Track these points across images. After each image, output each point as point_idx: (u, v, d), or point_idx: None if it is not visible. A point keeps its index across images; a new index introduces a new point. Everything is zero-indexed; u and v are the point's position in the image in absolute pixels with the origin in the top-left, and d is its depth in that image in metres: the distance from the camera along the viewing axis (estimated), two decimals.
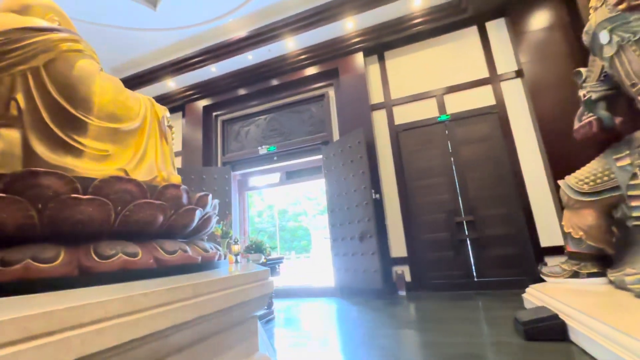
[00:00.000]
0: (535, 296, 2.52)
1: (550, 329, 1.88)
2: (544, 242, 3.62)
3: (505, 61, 4.17)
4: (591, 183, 2.43)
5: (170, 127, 2.34)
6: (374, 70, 4.86)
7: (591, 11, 2.39)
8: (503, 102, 4.08)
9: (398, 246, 4.22)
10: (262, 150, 5.35)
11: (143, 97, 1.92)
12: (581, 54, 3.50)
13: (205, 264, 1.78)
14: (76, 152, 1.49)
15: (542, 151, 3.72)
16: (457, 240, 3.98)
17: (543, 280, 2.86)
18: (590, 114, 2.52)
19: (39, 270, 1.15)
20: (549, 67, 3.77)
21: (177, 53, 5.08)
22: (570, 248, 2.63)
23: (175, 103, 5.94)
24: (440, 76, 4.46)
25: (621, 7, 2.08)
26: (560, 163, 3.44)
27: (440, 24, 4.42)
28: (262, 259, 2.97)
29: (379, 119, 4.66)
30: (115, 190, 1.43)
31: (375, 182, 4.26)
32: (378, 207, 4.19)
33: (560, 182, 2.71)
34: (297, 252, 18.86)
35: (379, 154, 4.52)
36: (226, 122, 5.90)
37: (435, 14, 4.33)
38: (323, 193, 4.82)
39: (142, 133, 1.78)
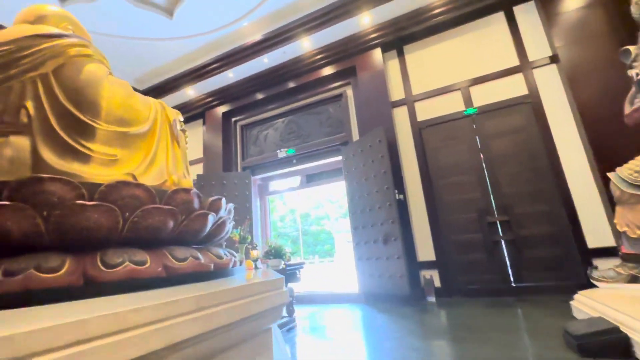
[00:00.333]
0: (587, 304, 2.23)
1: (611, 345, 1.62)
2: (592, 242, 3.25)
3: (537, 47, 3.85)
4: None
5: (183, 130, 2.29)
6: (393, 65, 4.67)
7: None
8: (537, 90, 3.76)
9: (425, 249, 3.98)
10: (281, 153, 5.29)
11: (154, 101, 1.87)
12: (625, 31, 3.15)
13: (219, 272, 1.68)
14: (84, 157, 1.44)
15: (585, 141, 3.37)
16: (490, 242, 3.68)
17: (593, 286, 2.54)
18: None
19: (42, 280, 1.09)
20: (588, 49, 3.43)
21: (195, 61, 5.15)
22: (626, 249, 2.31)
23: (195, 111, 6.04)
24: (464, 68, 4.20)
25: None
26: (606, 153, 3.09)
27: (462, 12, 4.17)
28: (282, 265, 2.87)
29: (400, 116, 4.46)
30: (122, 196, 1.37)
31: (398, 182, 4.06)
32: (402, 208, 3.98)
33: (610, 174, 2.40)
34: (321, 257, 18.69)
35: (402, 153, 4.32)
36: (245, 127, 5.92)
37: (457, 2, 4.09)
38: (345, 195, 4.67)
39: (152, 136, 1.73)
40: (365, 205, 4.22)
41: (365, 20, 4.36)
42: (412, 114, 4.36)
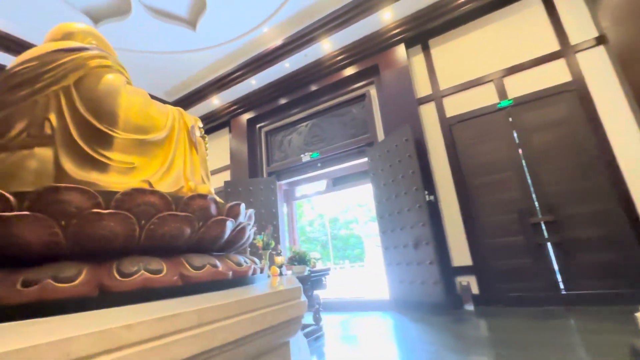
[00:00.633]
0: None
1: None
2: None
3: (581, 28, 3.48)
4: None
5: (203, 137, 2.30)
6: (418, 61, 4.47)
7: None
8: (582, 76, 3.39)
9: (460, 253, 3.71)
10: (305, 157, 5.24)
11: (171, 108, 1.88)
12: None
13: (238, 280, 1.63)
14: (102, 166, 1.45)
15: None
16: (534, 245, 3.35)
17: None
18: None
19: (56, 290, 1.08)
20: None
21: (219, 70, 5.27)
22: None
23: (221, 119, 6.18)
24: (496, 57, 3.91)
25: None
26: None
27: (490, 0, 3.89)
28: (306, 271, 2.78)
29: (428, 113, 4.23)
30: (137, 203, 1.35)
31: (428, 183, 3.84)
32: (433, 210, 3.75)
33: None
34: (351, 261, 18.41)
35: (430, 151, 4.09)
36: (269, 133, 5.95)
37: None
38: (372, 198, 4.51)
39: (169, 143, 1.72)
40: (394, 208, 4.03)
41: (386, 16, 4.21)
42: (441, 110, 4.13)
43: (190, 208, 1.53)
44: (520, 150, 3.61)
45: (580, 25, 3.49)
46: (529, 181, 3.50)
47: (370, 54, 4.64)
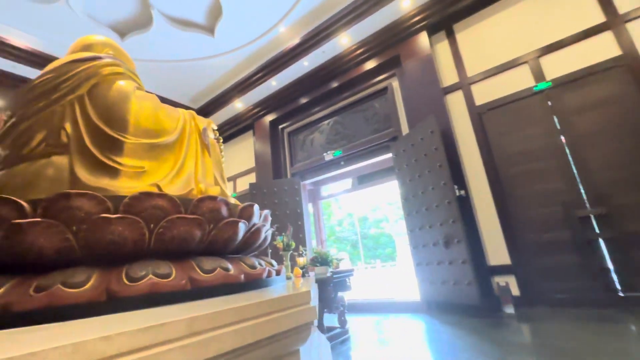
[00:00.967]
0: None
1: None
2: None
3: None
4: None
5: (218, 139, 2.29)
6: (442, 48, 4.22)
7: None
8: (634, 49, 2.99)
9: (497, 251, 3.43)
10: (328, 156, 5.16)
11: (183, 111, 1.88)
12: None
13: (251, 283, 1.58)
14: (113, 171, 1.47)
15: None
16: (583, 241, 3.01)
17: None
18: None
19: (65, 296, 1.09)
20: None
21: (240, 74, 5.34)
22: None
23: (245, 122, 6.27)
24: (530, 37, 3.57)
25: None
26: None
27: None
28: (328, 272, 2.69)
29: (455, 102, 3.97)
30: (145, 207, 1.34)
31: (457, 176, 3.60)
32: (464, 205, 3.50)
33: None
34: (383, 261, 17.99)
35: (459, 143, 3.83)
36: (291, 134, 5.94)
37: None
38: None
39: (180, 146, 1.72)
40: (421, 205, 3.83)
41: (405, 4, 4.01)
42: (469, 98, 3.85)
43: (200, 210, 1.50)
44: (562, 137, 3.26)
45: None
46: (574, 170, 3.15)
47: (390, 44, 4.45)
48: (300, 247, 3.03)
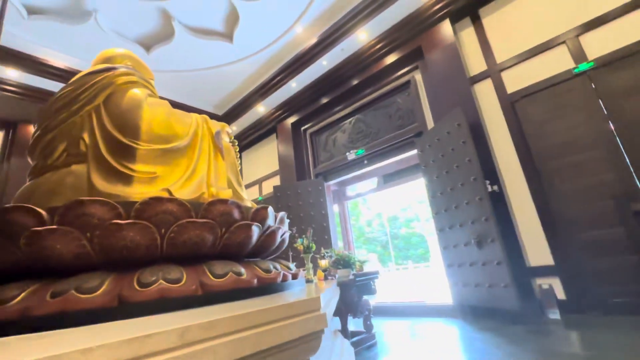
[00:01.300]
0: None
1: None
2: None
3: None
4: None
5: (233, 142, 2.29)
6: (467, 35, 3.97)
7: None
8: None
9: (537, 251, 3.14)
10: (351, 155, 5.05)
11: (196, 116, 1.89)
12: None
13: (264, 288, 1.53)
14: (126, 178, 1.49)
15: None
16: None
17: None
18: None
19: (78, 301, 1.10)
20: None
21: (260, 78, 5.41)
22: None
23: (268, 126, 6.33)
24: (567, 14, 3.24)
25: None
26: None
27: None
28: (351, 275, 2.60)
29: (484, 91, 3.71)
30: (156, 212, 1.35)
31: (489, 171, 3.35)
32: (498, 201, 3.25)
33: None
34: (415, 261, 17.41)
35: (490, 135, 3.57)
36: (313, 134, 5.91)
37: None
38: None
39: (192, 151, 1.72)
40: (450, 203, 3.61)
41: None
42: (500, 86, 3.58)
43: (211, 214, 1.48)
44: (610, 123, 2.92)
45: None
46: (627, 159, 2.80)
47: (411, 36, 4.27)
48: (322, 249, 2.97)
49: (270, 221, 1.82)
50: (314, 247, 2.55)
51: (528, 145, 3.32)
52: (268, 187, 6.36)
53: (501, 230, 3.04)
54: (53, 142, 1.62)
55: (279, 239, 1.94)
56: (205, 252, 1.50)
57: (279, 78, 5.21)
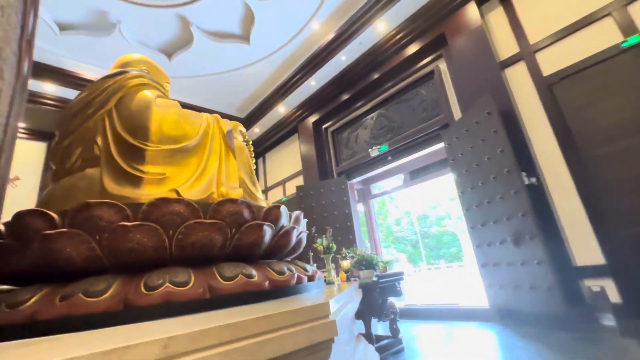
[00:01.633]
0: None
1: None
2: None
3: None
4: None
5: (247, 142, 2.25)
6: (495, 17, 3.67)
7: None
8: None
9: (585, 249, 2.81)
10: (373, 152, 4.88)
11: (207, 116, 1.86)
12: None
13: (277, 291, 1.46)
14: (136, 180, 1.48)
15: None
16: None
17: None
18: None
19: (84, 305, 1.08)
20: None
21: (280, 78, 5.39)
22: None
23: (290, 126, 6.31)
24: None
25: None
26: None
27: None
28: (374, 276, 2.46)
29: (516, 75, 3.41)
30: (163, 213, 1.31)
31: (525, 162, 3.06)
32: (536, 195, 2.96)
33: None
34: (447, 261, 16.64)
35: (524, 122, 3.27)
36: (335, 132, 5.80)
37: None
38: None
39: (202, 150, 1.69)
40: (482, 198, 3.35)
41: None
42: (534, 69, 3.27)
43: (220, 214, 1.43)
44: None
45: None
46: None
47: (433, 23, 4.04)
48: (343, 250, 2.85)
49: (284, 221, 1.75)
50: (335, 248, 2.44)
51: (570, 131, 3.00)
52: (292, 188, 6.33)
53: (541, 226, 2.75)
54: (70, 147, 1.65)
55: (294, 239, 1.86)
56: (216, 254, 1.45)
57: (298, 77, 5.17)
